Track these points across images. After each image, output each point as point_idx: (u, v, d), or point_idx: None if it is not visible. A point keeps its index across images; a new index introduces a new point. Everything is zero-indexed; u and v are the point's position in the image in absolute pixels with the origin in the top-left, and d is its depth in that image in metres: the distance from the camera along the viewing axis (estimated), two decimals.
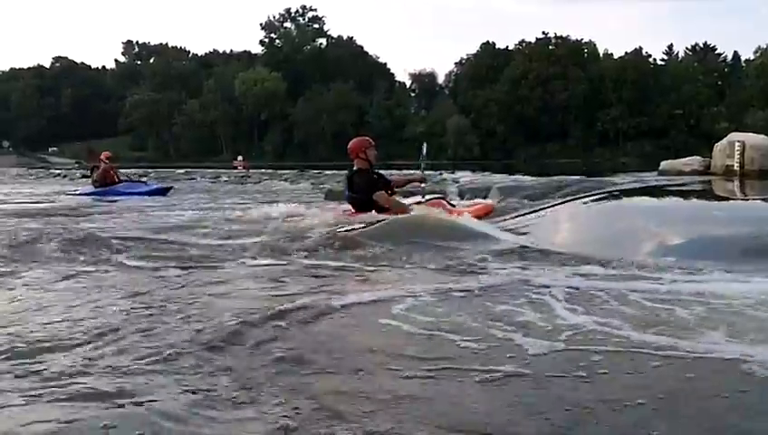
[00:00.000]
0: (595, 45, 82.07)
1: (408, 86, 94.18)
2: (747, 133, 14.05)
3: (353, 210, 7.43)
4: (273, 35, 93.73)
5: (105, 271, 4.37)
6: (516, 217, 7.02)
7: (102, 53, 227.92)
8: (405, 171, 17.20)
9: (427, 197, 7.82)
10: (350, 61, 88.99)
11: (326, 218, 7.16)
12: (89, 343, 2.66)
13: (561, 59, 76.80)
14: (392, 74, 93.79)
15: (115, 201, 12.08)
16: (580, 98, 74.63)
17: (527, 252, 4.87)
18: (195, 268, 4.44)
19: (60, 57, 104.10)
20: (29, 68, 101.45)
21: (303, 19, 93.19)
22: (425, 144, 8.80)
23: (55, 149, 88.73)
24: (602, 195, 7.78)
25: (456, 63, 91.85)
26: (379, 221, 6.14)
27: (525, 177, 15.51)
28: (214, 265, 4.53)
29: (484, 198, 11.27)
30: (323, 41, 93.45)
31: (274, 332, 2.83)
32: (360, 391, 2.16)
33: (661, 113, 72.52)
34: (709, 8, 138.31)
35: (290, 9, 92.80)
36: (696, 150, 22.03)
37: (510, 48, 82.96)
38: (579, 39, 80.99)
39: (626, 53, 79.53)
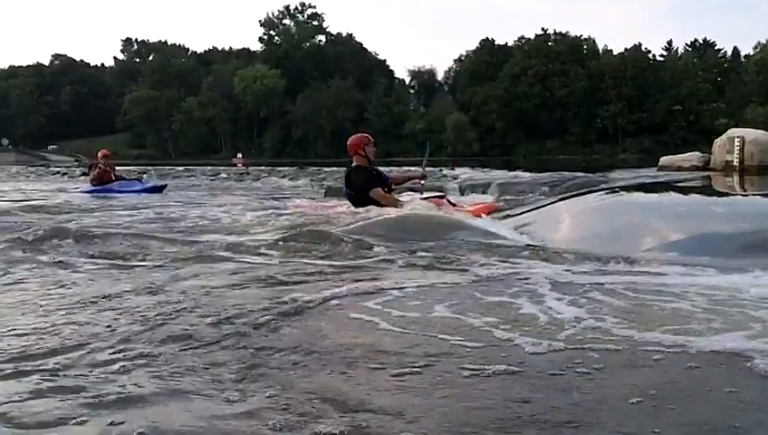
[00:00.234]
0: (594, 41, 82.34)
1: (407, 83, 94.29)
2: (747, 129, 14.06)
3: (351, 207, 7.46)
4: (272, 32, 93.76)
5: (98, 269, 4.36)
6: (515, 214, 7.02)
7: (101, 51, 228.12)
8: (405, 168, 17.21)
9: (427, 194, 7.80)
10: (350, 58, 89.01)
11: (322, 215, 7.21)
12: (82, 341, 2.66)
13: (560, 55, 76.90)
14: (391, 71, 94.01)
15: (112, 199, 12.09)
16: (579, 94, 74.69)
17: (524, 249, 4.85)
18: (182, 266, 4.43)
19: (59, 55, 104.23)
20: (28, 66, 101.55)
21: (302, 16, 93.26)
22: (428, 143, 8.82)
23: (55, 146, 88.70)
24: (602, 191, 7.77)
25: (455, 60, 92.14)
26: (373, 218, 6.16)
27: (525, 173, 15.51)
28: (201, 263, 4.51)
29: (483, 193, 11.29)
30: (322, 38, 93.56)
31: (264, 329, 2.83)
32: (346, 388, 2.15)
33: (661, 109, 72.57)
34: (709, 4, 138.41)
35: (289, 6, 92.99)
36: (696, 146, 22.05)
37: (509, 44, 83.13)
38: (578, 35, 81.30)
39: (625, 49, 79.79)
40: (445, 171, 18.38)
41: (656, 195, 7.65)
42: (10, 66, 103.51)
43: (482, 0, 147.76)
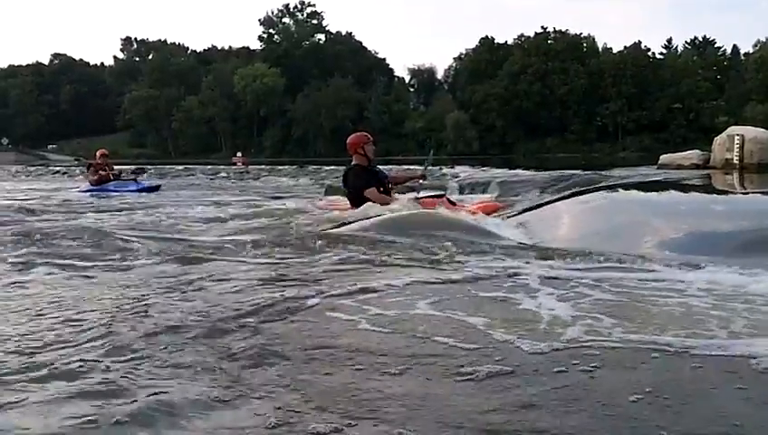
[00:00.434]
0: (594, 40, 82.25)
1: (407, 81, 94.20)
2: (746, 127, 14.04)
3: (350, 205, 7.51)
4: (271, 31, 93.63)
5: (98, 267, 4.36)
6: (514, 213, 7.02)
7: (101, 50, 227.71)
8: (405, 167, 17.20)
9: (428, 194, 7.80)
10: (349, 56, 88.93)
11: (318, 214, 7.25)
12: (80, 340, 2.67)
13: (560, 53, 76.82)
14: (391, 70, 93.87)
15: (109, 199, 12.15)
16: (579, 92, 74.61)
17: (522, 248, 4.86)
18: (180, 265, 4.44)
19: (58, 54, 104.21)
20: (28, 65, 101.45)
21: (302, 14, 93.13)
22: (431, 145, 8.80)
23: (54, 146, 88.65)
24: (602, 189, 7.78)
25: (454, 58, 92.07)
26: (368, 217, 6.18)
27: (525, 171, 15.47)
28: (195, 263, 4.51)
29: (484, 192, 11.27)
30: (322, 36, 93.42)
31: (257, 327, 2.84)
32: (336, 386, 2.16)
33: (660, 107, 72.49)
34: (708, 2, 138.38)
35: (288, 5, 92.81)
36: (696, 144, 22.03)
37: (509, 43, 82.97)
38: (578, 33, 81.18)
39: (625, 47, 79.68)
40: (445, 170, 18.37)
41: (655, 193, 7.65)
42: (9, 65, 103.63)
43: None
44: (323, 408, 1.97)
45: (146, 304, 3.25)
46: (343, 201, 7.96)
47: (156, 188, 14.81)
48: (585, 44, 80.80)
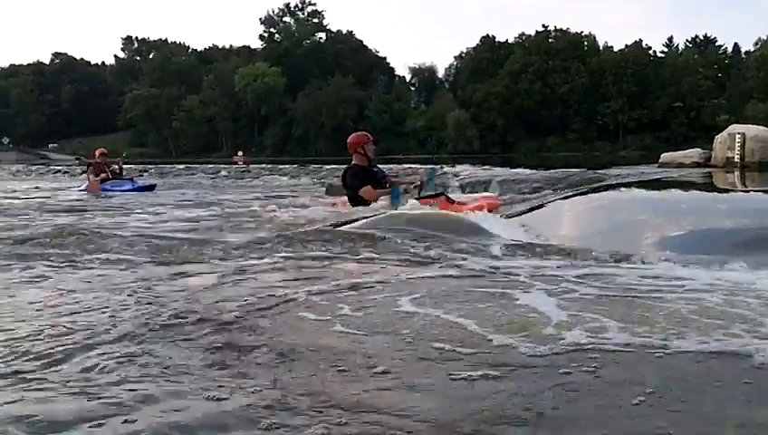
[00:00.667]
0: (595, 38, 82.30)
1: (407, 80, 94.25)
2: (748, 125, 14.04)
3: (349, 204, 7.57)
4: (272, 30, 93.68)
5: (89, 267, 4.36)
6: (513, 211, 7.01)
7: (102, 49, 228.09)
8: (406, 166, 17.20)
9: (427, 193, 7.80)
10: (350, 55, 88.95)
11: (315, 213, 7.28)
12: (61, 338, 2.66)
13: (560, 52, 76.83)
14: (392, 68, 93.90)
15: (107, 199, 12.19)
16: (580, 91, 74.62)
17: (519, 246, 4.84)
18: (170, 264, 4.44)
19: (59, 53, 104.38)
20: (28, 64, 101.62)
21: (303, 13, 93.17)
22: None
23: (55, 145, 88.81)
24: (602, 188, 7.78)
25: (455, 57, 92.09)
26: (360, 216, 6.20)
27: (526, 170, 15.45)
28: (190, 263, 4.51)
29: (485, 191, 11.25)
30: (323, 35, 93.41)
31: (249, 326, 2.84)
32: (329, 386, 2.14)
33: (661, 106, 72.50)
34: (709, 0, 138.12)
35: (289, 4, 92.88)
36: (697, 143, 22.02)
37: (510, 41, 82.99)
38: (578, 32, 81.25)
39: (626, 45, 79.76)
40: (446, 168, 18.36)
41: (656, 192, 7.66)
42: (10, 65, 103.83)
43: None
44: (311, 407, 1.96)
45: (132, 304, 3.24)
46: (343, 200, 7.98)
47: (151, 188, 14.88)
48: (586, 43, 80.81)
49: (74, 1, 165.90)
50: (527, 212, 6.72)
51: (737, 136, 12.38)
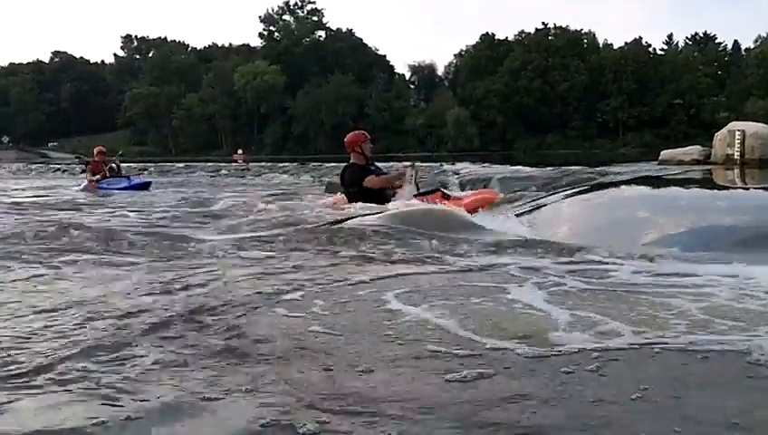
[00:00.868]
0: (594, 36, 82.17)
1: (407, 78, 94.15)
2: (747, 122, 13.99)
3: (347, 202, 7.63)
4: (272, 28, 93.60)
5: (84, 264, 4.36)
6: (511, 207, 7.00)
7: (101, 48, 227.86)
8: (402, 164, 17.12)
9: (423, 189, 7.79)
10: (350, 53, 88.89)
11: (314, 211, 7.31)
12: (57, 337, 2.66)
13: (560, 50, 76.78)
14: (391, 66, 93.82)
15: (106, 197, 12.20)
16: (579, 88, 74.58)
17: (512, 242, 4.83)
18: (166, 261, 4.45)
19: (59, 52, 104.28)
20: (28, 63, 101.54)
21: (302, 12, 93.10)
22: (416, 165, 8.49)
23: (55, 143, 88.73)
24: (602, 185, 7.77)
25: (455, 55, 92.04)
26: (359, 215, 6.22)
27: (525, 167, 15.44)
28: (183, 259, 4.52)
29: (485, 188, 11.24)
30: (322, 33, 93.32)
31: (240, 322, 2.85)
32: (322, 383, 2.14)
33: (661, 103, 72.48)
34: None
35: (288, 2, 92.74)
36: (697, 140, 21.99)
37: (509, 39, 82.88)
38: (578, 29, 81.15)
39: (625, 43, 79.65)
40: (446, 166, 18.35)
41: (656, 189, 7.64)
42: (10, 64, 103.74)
43: None
44: (308, 405, 1.96)
45: (124, 302, 3.23)
46: (341, 199, 8.00)
47: (147, 185, 14.89)
48: (586, 40, 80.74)
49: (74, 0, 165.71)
50: (526, 209, 6.71)
51: (737, 133, 12.34)
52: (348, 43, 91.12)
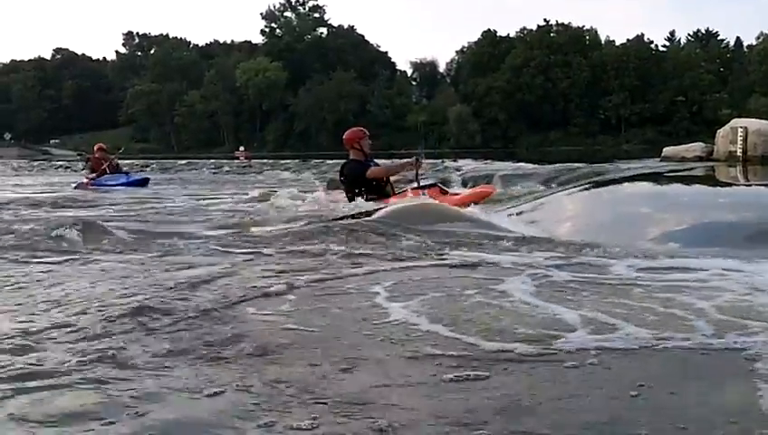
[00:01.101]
0: (597, 32, 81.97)
1: (409, 75, 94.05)
2: (750, 119, 13.99)
3: (347, 199, 7.62)
4: (273, 25, 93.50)
5: (80, 261, 4.37)
6: (509, 203, 6.99)
7: (103, 45, 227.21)
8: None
9: (422, 184, 7.78)
10: (351, 50, 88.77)
11: (313, 208, 7.32)
12: (49, 333, 2.65)
13: (562, 46, 76.68)
14: (393, 63, 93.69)
15: (105, 193, 12.20)
16: (581, 85, 74.48)
17: (512, 238, 4.83)
18: (153, 255, 4.48)
19: (60, 49, 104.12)
20: (30, 60, 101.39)
21: (304, 8, 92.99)
22: (422, 136, 8.59)
23: (57, 141, 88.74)
24: (602, 182, 7.76)
25: (457, 52, 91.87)
26: (358, 212, 6.22)
27: (527, 164, 15.46)
28: (174, 255, 4.53)
29: (488, 184, 11.23)
30: (324, 30, 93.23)
31: (231, 317, 2.86)
32: (315, 380, 2.13)
33: (663, 100, 72.39)
34: None
35: None
36: (699, 137, 21.95)
37: (511, 36, 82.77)
38: (580, 26, 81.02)
39: (628, 39, 79.44)
40: (447, 163, 18.36)
41: (659, 185, 7.63)
42: (11, 60, 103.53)
43: None
44: (298, 401, 1.95)
45: (114, 297, 3.24)
46: (341, 195, 8.02)
47: (145, 182, 14.87)
48: (588, 37, 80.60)
49: None
50: (523, 204, 6.71)
51: (739, 130, 12.33)
52: (349, 40, 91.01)
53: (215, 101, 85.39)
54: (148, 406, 1.92)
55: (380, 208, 6.09)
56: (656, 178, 8.75)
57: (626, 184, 7.40)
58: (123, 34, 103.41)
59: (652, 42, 79.48)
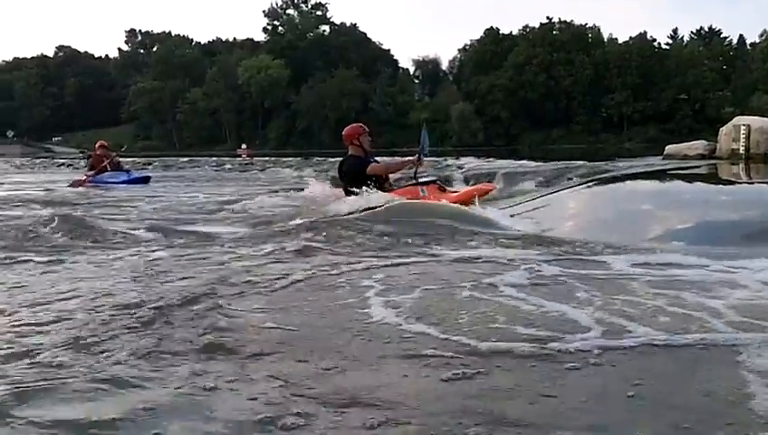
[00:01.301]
0: (599, 30, 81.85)
1: (411, 73, 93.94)
2: (753, 117, 13.96)
3: (345, 196, 7.59)
4: (276, 23, 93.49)
5: (77, 257, 4.37)
6: (514, 202, 6.98)
7: (105, 42, 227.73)
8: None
9: (422, 180, 7.75)
10: (354, 48, 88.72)
11: (313, 205, 7.32)
12: (47, 328, 2.67)
13: (565, 44, 76.57)
14: (396, 61, 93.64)
15: (106, 191, 12.19)
16: (584, 83, 74.36)
17: (511, 236, 4.82)
18: (142, 252, 4.50)
19: (63, 46, 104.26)
20: (32, 57, 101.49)
21: (306, 6, 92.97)
22: (424, 126, 8.55)
23: (59, 138, 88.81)
24: (607, 179, 7.75)
25: (459, 49, 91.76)
26: (357, 209, 6.21)
27: (530, 162, 15.43)
28: (176, 249, 4.56)
29: (489, 182, 11.20)
30: (326, 28, 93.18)
31: (222, 312, 2.86)
32: (310, 377, 2.13)
33: (666, 98, 72.24)
34: None
35: None
36: (701, 135, 21.89)
37: (514, 34, 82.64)
38: (583, 24, 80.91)
39: (630, 37, 79.37)
40: (450, 161, 18.34)
41: (662, 183, 7.62)
42: (14, 58, 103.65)
43: None
44: (289, 398, 1.95)
45: (106, 294, 3.25)
46: (339, 192, 7.99)
47: (146, 180, 14.83)
48: (590, 35, 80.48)
49: None
50: (526, 203, 6.69)
51: (742, 128, 12.31)
52: (352, 38, 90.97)
53: (217, 98, 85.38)
54: (139, 402, 1.92)
55: (377, 206, 6.08)
56: (658, 175, 8.73)
57: (628, 182, 7.39)
58: (126, 32, 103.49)
59: (655, 40, 79.37)
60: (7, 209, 8.28)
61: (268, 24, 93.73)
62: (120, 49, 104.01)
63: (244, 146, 50.27)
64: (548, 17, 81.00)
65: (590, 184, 7.25)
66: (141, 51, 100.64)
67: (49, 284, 3.56)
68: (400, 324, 2.67)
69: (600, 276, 3.48)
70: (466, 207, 6.14)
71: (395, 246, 4.52)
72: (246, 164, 25.79)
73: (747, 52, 78.36)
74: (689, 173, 9.06)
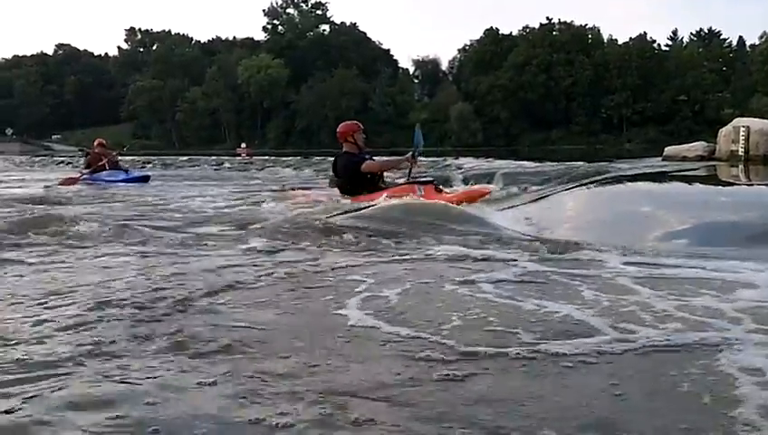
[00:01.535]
0: (599, 31, 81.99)
1: (411, 72, 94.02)
2: (752, 118, 13.98)
3: (339, 194, 7.55)
4: (275, 22, 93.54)
5: (73, 255, 4.37)
6: (512, 202, 6.97)
7: (105, 41, 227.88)
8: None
9: (419, 179, 7.71)
10: (353, 47, 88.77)
11: (313, 205, 7.30)
12: (40, 327, 2.65)
13: (564, 45, 76.67)
14: (395, 61, 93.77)
15: (105, 189, 12.16)
16: (584, 84, 74.44)
17: (507, 236, 4.81)
18: (132, 250, 4.50)
19: (63, 44, 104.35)
20: (32, 55, 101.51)
21: (306, 5, 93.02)
22: (417, 126, 8.47)
23: (59, 136, 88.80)
24: (606, 180, 7.74)
25: (459, 50, 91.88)
26: (341, 208, 6.23)
27: (529, 163, 15.42)
28: (173, 248, 4.55)
29: (488, 183, 11.20)
30: (326, 27, 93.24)
31: (221, 311, 2.84)
32: (307, 375, 2.12)
33: (666, 99, 72.34)
34: None
35: None
36: (701, 136, 21.91)
37: (514, 34, 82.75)
38: (583, 25, 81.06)
39: (630, 38, 79.56)
40: (449, 161, 18.33)
41: (661, 184, 7.62)
42: (14, 56, 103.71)
43: None
44: (279, 394, 1.95)
45: (96, 293, 3.23)
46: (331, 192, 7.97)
47: (145, 179, 14.69)
48: (590, 36, 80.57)
49: None
50: (525, 204, 6.68)
51: (741, 129, 12.33)
52: (352, 37, 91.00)
53: (216, 97, 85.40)
54: (133, 399, 1.91)
55: (370, 205, 6.08)
56: (657, 177, 8.73)
57: (627, 183, 7.38)
58: (125, 30, 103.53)
59: (655, 41, 79.58)
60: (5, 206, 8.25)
61: (268, 24, 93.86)
62: (119, 47, 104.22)
63: (243, 145, 50.36)
64: (548, 18, 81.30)
65: (588, 185, 7.25)
66: (141, 49, 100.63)
67: (17, 284, 3.53)
68: (388, 324, 2.65)
69: (595, 277, 3.46)
70: (461, 207, 6.12)
71: (387, 245, 4.52)
72: (246, 163, 25.78)
73: (747, 53, 78.50)
74: (688, 175, 9.07)
